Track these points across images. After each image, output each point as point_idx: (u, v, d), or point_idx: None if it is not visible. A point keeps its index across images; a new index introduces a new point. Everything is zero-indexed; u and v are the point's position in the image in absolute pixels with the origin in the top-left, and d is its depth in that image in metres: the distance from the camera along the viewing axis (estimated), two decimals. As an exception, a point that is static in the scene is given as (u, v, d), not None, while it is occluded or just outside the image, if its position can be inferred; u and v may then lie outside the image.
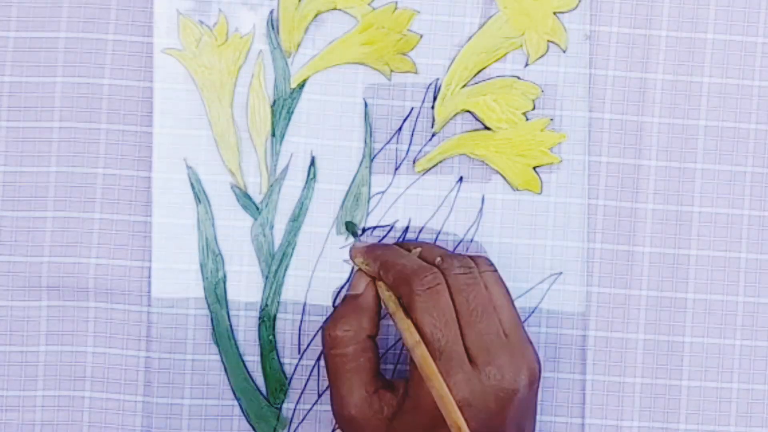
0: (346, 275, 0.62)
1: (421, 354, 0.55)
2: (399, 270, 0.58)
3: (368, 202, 0.62)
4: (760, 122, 0.63)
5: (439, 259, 0.58)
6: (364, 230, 0.62)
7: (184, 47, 0.61)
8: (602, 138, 0.62)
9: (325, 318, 0.61)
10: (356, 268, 0.61)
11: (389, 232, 0.62)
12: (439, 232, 0.62)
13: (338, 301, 0.62)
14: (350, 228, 0.62)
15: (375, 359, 0.58)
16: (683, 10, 0.63)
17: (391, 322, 0.58)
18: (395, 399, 0.57)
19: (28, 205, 0.61)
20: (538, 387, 0.57)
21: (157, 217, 0.62)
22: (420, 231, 0.62)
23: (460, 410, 0.54)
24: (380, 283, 0.59)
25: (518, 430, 0.57)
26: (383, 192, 0.62)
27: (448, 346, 0.55)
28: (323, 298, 0.62)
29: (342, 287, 0.62)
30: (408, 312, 0.56)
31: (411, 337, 0.56)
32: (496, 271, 0.58)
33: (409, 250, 0.60)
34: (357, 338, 0.58)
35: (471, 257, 0.58)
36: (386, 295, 0.58)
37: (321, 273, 0.62)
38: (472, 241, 0.62)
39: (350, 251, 0.61)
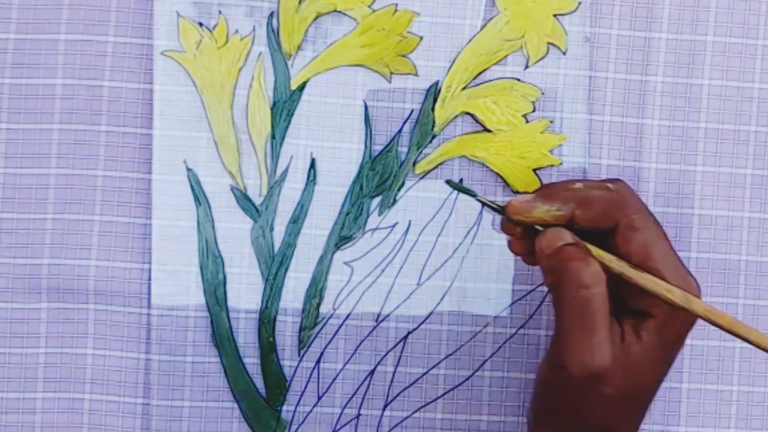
0: (346, 277, 0.62)
1: (662, 287, 0.53)
2: (605, 200, 0.54)
3: (368, 204, 0.62)
4: (760, 125, 0.63)
5: (610, 184, 0.55)
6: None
7: (185, 49, 0.61)
8: (602, 140, 0.62)
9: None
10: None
11: (389, 234, 0.62)
12: (440, 234, 0.62)
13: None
14: (457, 186, 0.57)
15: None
16: (683, 13, 0.63)
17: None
18: (617, 334, 0.53)
19: (28, 207, 0.61)
20: None
21: (157, 219, 0.62)
22: (420, 233, 0.62)
23: (690, 328, 0.54)
24: (600, 252, 0.54)
25: None
26: (383, 194, 0.62)
27: (672, 257, 0.54)
28: (324, 300, 0.62)
29: (342, 288, 0.62)
30: (621, 237, 0.53)
31: (645, 280, 0.53)
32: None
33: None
34: (604, 279, 0.53)
35: (610, 182, 0.56)
36: (619, 266, 0.53)
37: (321, 275, 0.62)
38: (472, 243, 0.62)
39: (516, 207, 0.54)
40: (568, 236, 0.53)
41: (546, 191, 0.55)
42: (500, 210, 0.55)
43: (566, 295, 0.52)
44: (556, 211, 0.54)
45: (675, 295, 0.53)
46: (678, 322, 0.54)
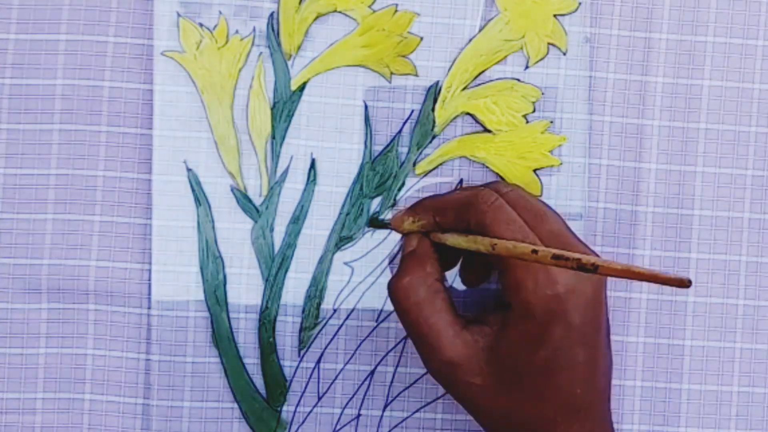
0: (346, 277, 0.62)
1: (512, 245, 0.54)
2: (455, 202, 0.58)
3: (368, 204, 0.62)
4: (760, 125, 0.63)
5: (480, 188, 0.59)
6: (381, 221, 0.62)
7: (185, 49, 0.61)
8: (602, 141, 0.62)
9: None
10: (402, 238, 0.61)
11: (389, 234, 0.62)
12: (439, 235, 0.62)
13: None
14: (375, 223, 0.62)
15: (451, 300, 0.57)
16: (683, 13, 0.63)
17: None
18: (486, 328, 0.56)
19: (29, 207, 0.61)
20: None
21: (157, 219, 0.62)
22: (420, 233, 0.62)
23: (567, 299, 0.54)
24: (437, 235, 0.59)
25: (606, 321, 0.57)
26: (383, 195, 0.62)
27: (530, 239, 0.56)
28: (324, 300, 0.62)
29: (342, 289, 0.62)
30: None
31: (490, 240, 0.55)
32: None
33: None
34: (426, 282, 0.57)
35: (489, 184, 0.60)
36: (452, 238, 0.58)
37: (321, 275, 0.62)
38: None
39: (393, 223, 0.61)
40: (412, 243, 0.59)
41: (414, 205, 0.61)
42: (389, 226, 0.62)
43: (393, 307, 0.58)
44: (419, 222, 0.59)
45: (490, 243, 0.55)
46: (536, 302, 0.55)
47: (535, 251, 0.53)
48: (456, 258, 0.61)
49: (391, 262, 0.62)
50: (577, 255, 0.52)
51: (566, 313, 0.55)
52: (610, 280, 0.61)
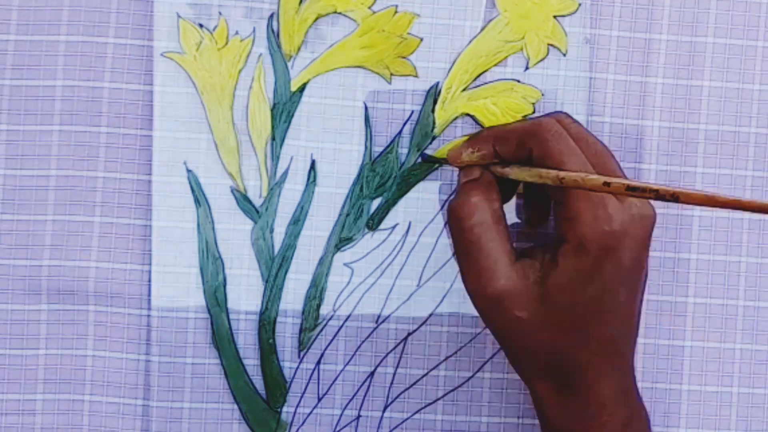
0: (346, 278, 0.62)
1: (581, 177, 0.54)
2: (517, 131, 0.58)
3: (368, 205, 0.62)
4: (761, 126, 0.63)
5: (543, 117, 0.59)
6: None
7: (185, 50, 0.61)
8: (602, 141, 0.62)
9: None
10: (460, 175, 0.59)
11: (389, 235, 0.62)
12: (439, 236, 0.62)
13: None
14: (429, 159, 0.61)
15: (509, 232, 0.57)
16: (683, 14, 0.63)
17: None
18: (536, 263, 0.56)
19: (28, 208, 0.61)
20: None
21: (157, 220, 0.62)
22: (420, 234, 0.62)
23: (621, 237, 0.54)
24: (497, 168, 0.58)
25: (647, 266, 0.57)
26: (383, 195, 0.62)
27: (599, 169, 0.56)
28: (324, 301, 0.62)
29: (342, 290, 0.62)
30: (536, 165, 0.56)
31: (558, 174, 0.55)
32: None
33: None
34: (491, 206, 0.57)
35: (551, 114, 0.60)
36: (515, 171, 0.57)
37: (321, 276, 0.62)
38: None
39: (450, 156, 0.60)
40: (474, 173, 0.58)
41: (472, 136, 0.60)
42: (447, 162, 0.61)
43: (450, 228, 0.58)
44: (478, 152, 0.59)
45: (556, 173, 0.55)
46: (592, 237, 0.54)
47: (607, 183, 0.53)
48: (510, 194, 0.61)
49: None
50: (654, 185, 0.52)
51: (618, 251, 0.55)
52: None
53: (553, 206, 0.59)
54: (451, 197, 0.60)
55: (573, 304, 0.55)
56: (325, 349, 0.62)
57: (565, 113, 0.60)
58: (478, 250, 0.56)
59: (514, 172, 0.57)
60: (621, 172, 0.58)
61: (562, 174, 0.55)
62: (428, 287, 0.62)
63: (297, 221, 0.62)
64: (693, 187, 0.62)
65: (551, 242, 0.57)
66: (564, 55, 0.62)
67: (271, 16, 0.62)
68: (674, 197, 0.51)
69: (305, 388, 0.62)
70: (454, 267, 0.62)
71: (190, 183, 0.62)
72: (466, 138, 0.61)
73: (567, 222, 0.55)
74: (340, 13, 0.62)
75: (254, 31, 0.62)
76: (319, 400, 0.62)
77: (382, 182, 0.62)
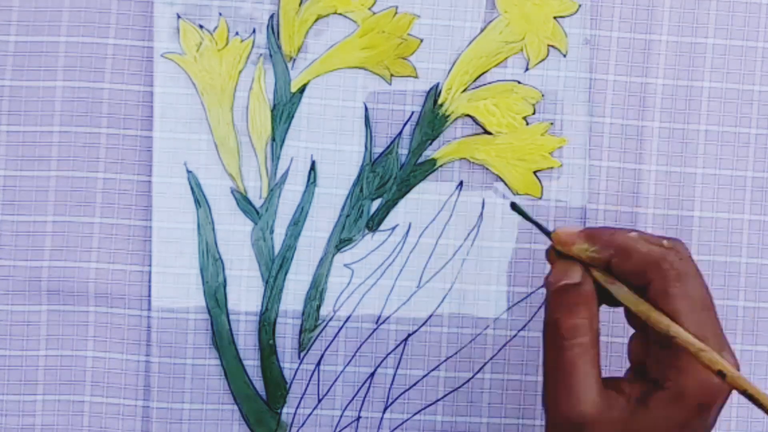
0: (346, 279, 0.62)
1: (697, 347, 0.51)
2: (643, 254, 0.53)
3: (368, 206, 0.62)
4: (761, 127, 0.63)
5: (665, 242, 0.54)
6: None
7: (185, 51, 0.62)
8: (602, 142, 0.62)
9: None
10: (555, 257, 0.55)
11: (389, 236, 0.62)
12: (440, 237, 0.62)
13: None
14: (520, 211, 0.57)
15: (600, 353, 0.54)
16: (683, 15, 0.63)
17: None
18: (622, 398, 0.53)
19: (28, 209, 0.61)
20: None
21: (157, 221, 0.62)
22: (420, 235, 0.62)
23: (716, 396, 0.52)
24: (602, 276, 0.54)
25: None
26: (383, 196, 0.62)
27: (709, 330, 0.52)
28: (324, 302, 0.62)
29: (342, 291, 0.62)
30: (651, 300, 0.53)
31: (668, 322, 0.51)
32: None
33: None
34: (592, 327, 0.53)
35: (667, 240, 0.55)
36: (624, 294, 0.53)
37: (321, 277, 0.62)
38: (472, 245, 0.62)
39: (558, 239, 0.55)
40: (576, 275, 0.54)
41: (591, 231, 0.55)
42: (548, 235, 0.55)
43: (546, 338, 0.54)
44: (592, 252, 0.54)
45: (666, 321, 0.52)
46: (694, 393, 0.52)
47: (722, 373, 0.51)
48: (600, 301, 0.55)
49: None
50: (763, 394, 0.51)
51: (711, 408, 0.53)
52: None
53: (651, 341, 0.54)
54: (548, 275, 0.55)
55: None
56: (326, 350, 0.62)
57: (682, 243, 0.55)
58: (572, 370, 0.53)
59: (622, 295, 0.53)
60: (718, 324, 0.54)
61: (673, 331, 0.52)
62: (428, 288, 0.62)
63: (297, 222, 0.62)
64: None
65: (637, 378, 0.54)
66: (564, 56, 0.62)
67: (272, 17, 0.62)
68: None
69: (305, 389, 0.62)
70: (453, 267, 0.62)
71: (190, 184, 0.62)
72: (580, 229, 0.55)
73: (669, 369, 0.52)
74: (340, 14, 0.62)
75: (254, 32, 0.62)
76: (320, 401, 0.62)
77: (383, 183, 0.62)
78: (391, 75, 0.62)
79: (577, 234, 0.54)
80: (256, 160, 0.62)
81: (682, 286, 0.52)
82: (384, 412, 0.62)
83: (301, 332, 0.62)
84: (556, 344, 0.53)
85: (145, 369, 0.62)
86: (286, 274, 0.62)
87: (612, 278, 0.54)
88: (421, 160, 0.62)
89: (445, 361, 0.62)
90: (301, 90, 0.62)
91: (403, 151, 0.62)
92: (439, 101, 0.62)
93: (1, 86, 0.61)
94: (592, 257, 0.54)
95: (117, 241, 0.62)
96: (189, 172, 0.62)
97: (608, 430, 0.52)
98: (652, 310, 0.52)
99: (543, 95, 0.62)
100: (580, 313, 0.53)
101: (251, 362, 0.62)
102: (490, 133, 0.62)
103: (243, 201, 0.62)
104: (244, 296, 0.62)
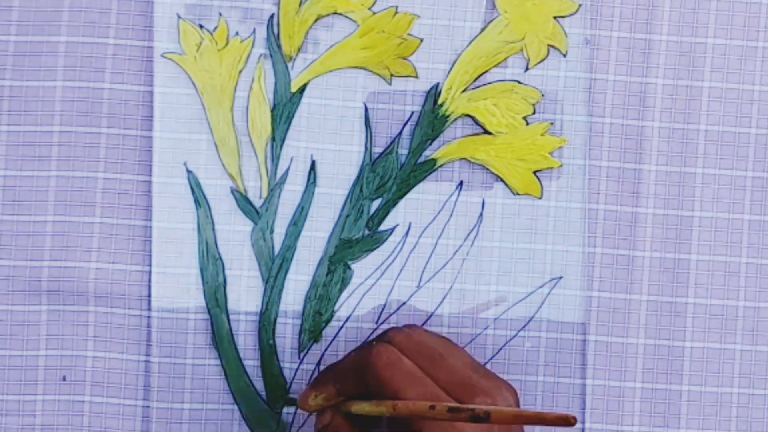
0: (346, 279, 0.62)
1: (412, 404, 0.53)
2: (351, 366, 0.56)
3: (368, 206, 0.62)
4: (761, 127, 0.63)
5: (374, 343, 0.57)
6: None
7: (185, 51, 0.62)
8: (602, 142, 0.62)
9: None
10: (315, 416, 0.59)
11: (389, 236, 0.62)
12: (439, 237, 0.62)
13: (339, 309, 0.62)
14: (290, 402, 0.61)
15: None
16: (683, 15, 0.63)
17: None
18: None
19: (28, 209, 0.61)
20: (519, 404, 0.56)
21: (157, 221, 0.62)
22: (420, 236, 0.62)
23: None
24: (345, 404, 0.57)
25: None
26: (383, 196, 0.62)
27: (434, 396, 0.53)
28: (324, 303, 0.62)
29: (342, 290, 0.62)
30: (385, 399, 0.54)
31: (394, 403, 0.53)
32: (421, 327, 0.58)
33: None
34: None
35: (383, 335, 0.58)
36: (356, 405, 0.56)
37: (321, 277, 0.62)
38: (472, 245, 0.62)
39: (300, 404, 0.59)
40: (325, 418, 0.57)
41: (314, 379, 0.59)
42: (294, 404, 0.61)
43: None
44: (321, 395, 0.57)
45: (403, 406, 0.53)
46: None
47: (432, 407, 0.52)
48: (376, 421, 0.58)
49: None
50: (471, 405, 0.51)
51: None
52: (613, 275, 0.62)
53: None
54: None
55: None
56: (326, 349, 0.62)
57: (395, 329, 0.59)
58: None
59: (356, 408, 0.56)
60: (468, 364, 0.55)
61: (395, 402, 0.53)
62: (428, 288, 0.62)
63: (297, 222, 0.62)
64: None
65: None
66: (564, 56, 0.62)
67: (272, 17, 0.62)
68: (486, 416, 0.50)
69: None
70: (453, 267, 0.62)
71: (190, 184, 0.62)
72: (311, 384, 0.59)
73: None
74: (340, 14, 0.62)
75: (254, 32, 0.62)
76: (319, 401, 0.62)
77: (382, 183, 0.62)
78: (391, 75, 0.62)
79: (306, 389, 0.58)
80: (256, 160, 0.62)
81: (393, 369, 0.54)
82: (384, 412, 0.62)
83: (301, 332, 0.62)
84: None
85: (145, 369, 0.62)
86: (286, 274, 0.62)
87: (350, 402, 0.56)
88: (421, 160, 0.62)
89: (445, 361, 0.62)
90: (301, 90, 0.62)
91: (403, 151, 0.62)
92: (439, 101, 0.62)
93: (1, 86, 0.61)
94: (324, 398, 0.57)
95: (117, 241, 0.62)
96: (189, 172, 0.62)
97: None
98: (377, 401, 0.54)
99: (543, 95, 0.62)
100: None
101: (251, 362, 0.62)
102: (490, 133, 0.62)
103: (243, 201, 0.62)
104: (244, 296, 0.62)
